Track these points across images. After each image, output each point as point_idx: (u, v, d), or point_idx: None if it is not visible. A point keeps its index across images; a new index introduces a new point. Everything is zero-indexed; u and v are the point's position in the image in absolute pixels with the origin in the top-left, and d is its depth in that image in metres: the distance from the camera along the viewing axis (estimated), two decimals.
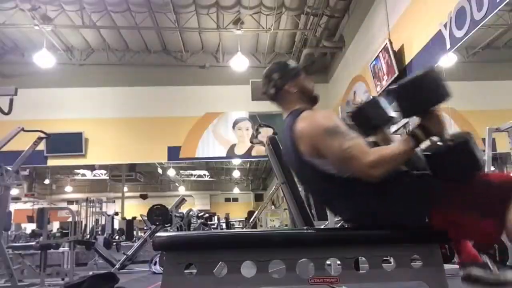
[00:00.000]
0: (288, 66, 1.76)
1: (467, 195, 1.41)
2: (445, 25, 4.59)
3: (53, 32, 9.22)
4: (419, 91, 1.44)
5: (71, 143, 9.31)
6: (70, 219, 6.26)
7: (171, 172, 18.68)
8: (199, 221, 8.89)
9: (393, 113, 1.81)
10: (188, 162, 16.24)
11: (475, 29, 4.11)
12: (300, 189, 2.04)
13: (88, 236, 9.23)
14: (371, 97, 1.94)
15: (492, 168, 6.75)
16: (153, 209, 6.63)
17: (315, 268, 1.50)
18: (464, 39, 4.33)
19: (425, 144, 1.47)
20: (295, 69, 1.76)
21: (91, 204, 10.56)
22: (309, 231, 1.62)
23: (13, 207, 12.61)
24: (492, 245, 1.45)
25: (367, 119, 1.85)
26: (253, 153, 9.70)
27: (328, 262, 3.38)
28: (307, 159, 1.55)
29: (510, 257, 3.92)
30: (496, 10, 3.81)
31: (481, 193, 1.41)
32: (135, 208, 17.12)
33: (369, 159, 1.41)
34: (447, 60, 7.32)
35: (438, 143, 1.47)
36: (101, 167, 16.81)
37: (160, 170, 18.78)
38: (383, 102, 1.87)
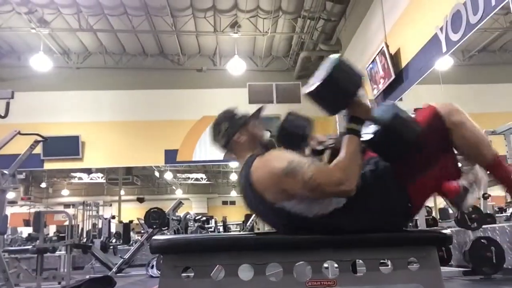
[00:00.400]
0: (235, 115, 1.73)
1: (418, 154, 1.50)
2: (441, 29, 4.61)
3: (50, 36, 9.21)
4: (334, 88, 1.42)
5: (68, 146, 9.28)
6: (66, 223, 6.23)
7: (168, 176, 18.65)
8: (196, 224, 8.88)
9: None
10: (185, 165, 16.23)
11: (471, 33, 4.13)
12: None
13: (85, 239, 9.20)
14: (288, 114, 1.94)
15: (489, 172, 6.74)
16: (150, 213, 6.62)
17: (312, 271, 1.50)
18: (460, 43, 4.35)
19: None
20: (243, 118, 1.72)
21: (88, 207, 10.53)
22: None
23: (9, 210, 12.55)
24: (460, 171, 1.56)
25: (293, 133, 1.86)
26: None
27: (325, 265, 3.39)
28: (279, 206, 1.49)
29: (507, 259, 3.93)
30: (492, 14, 3.83)
31: (425, 142, 1.49)
32: (132, 212, 17.07)
33: (335, 177, 1.39)
34: (444, 63, 7.39)
35: (371, 126, 1.48)
36: (98, 170, 16.78)
37: (157, 173, 18.76)
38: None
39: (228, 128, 1.68)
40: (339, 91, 1.43)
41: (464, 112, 1.57)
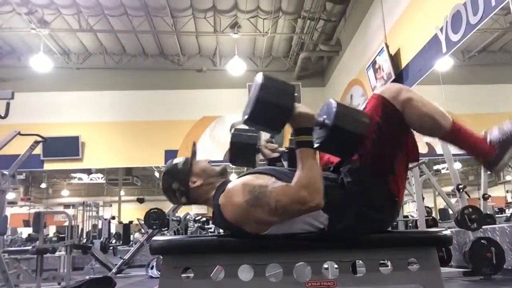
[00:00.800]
0: (176, 167, 1.62)
1: (384, 146, 1.49)
2: (441, 29, 4.61)
3: (50, 36, 9.21)
4: (267, 108, 1.35)
5: (68, 147, 9.28)
6: (66, 223, 6.23)
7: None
8: (196, 225, 8.87)
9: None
10: None
11: (471, 33, 4.13)
12: None
13: (85, 240, 9.20)
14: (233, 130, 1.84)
15: (488, 172, 6.76)
16: (150, 213, 6.61)
17: (312, 272, 1.50)
18: (460, 43, 4.35)
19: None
20: (185, 163, 1.63)
21: (88, 208, 10.53)
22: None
23: (9, 211, 12.55)
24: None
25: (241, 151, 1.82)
26: None
27: (325, 265, 3.39)
28: (264, 234, 1.46)
29: (507, 259, 3.93)
30: (492, 14, 3.84)
31: (386, 132, 1.49)
32: (132, 212, 17.06)
33: (299, 196, 1.35)
34: (444, 64, 7.38)
35: (318, 131, 1.44)
36: (98, 171, 16.74)
37: (157, 174, 18.74)
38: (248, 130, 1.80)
39: (179, 186, 1.59)
40: (273, 109, 1.36)
41: (409, 89, 1.55)
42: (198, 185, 1.59)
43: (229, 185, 1.51)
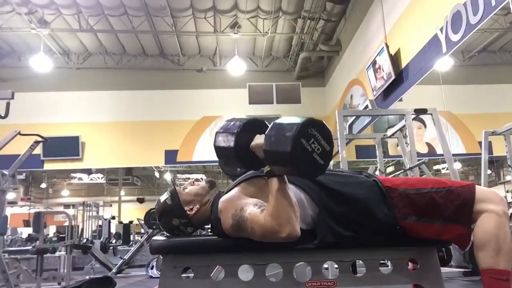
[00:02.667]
0: (167, 205, 1.58)
1: (425, 204, 1.42)
2: (441, 29, 4.61)
3: (50, 36, 9.21)
4: (224, 154, 1.45)
5: (68, 147, 9.29)
6: (66, 223, 6.23)
7: (168, 176, 18.63)
8: None
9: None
10: (185, 166, 16.22)
11: (471, 33, 4.13)
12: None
13: (85, 240, 9.20)
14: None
15: (489, 172, 6.77)
16: (150, 213, 6.61)
17: (312, 272, 1.50)
18: (460, 43, 4.35)
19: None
20: (173, 196, 1.58)
21: (88, 208, 10.53)
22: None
23: (9, 211, 12.55)
24: (466, 245, 1.44)
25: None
26: None
27: (325, 265, 3.39)
28: None
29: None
30: (492, 14, 3.83)
31: (441, 201, 1.41)
32: (132, 212, 17.07)
33: (269, 227, 1.33)
34: (444, 64, 7.39)
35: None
36: (98, 171, 16.74)
37: (157, 174, 18.74)
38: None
39: (180, 220, 1.56)
40: (224, 152, 1.43)
41: (505, 207, 1.42)
42: (197, 210, 1.57)
43: (219, 203, 1.50)
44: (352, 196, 1.46)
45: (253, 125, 1.45)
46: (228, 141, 1.41)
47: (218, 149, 1.45)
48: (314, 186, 1.49)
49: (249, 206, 1.41)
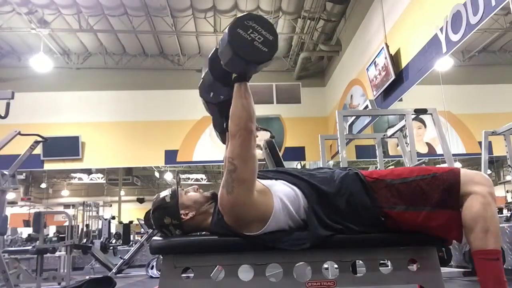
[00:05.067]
0: (165, 201, 1.58)
1: (411, 192, 1.44)
2: (441, 29, 4.61)
3: (50, 36, 9.21)
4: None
5: (68, 147, 9.29)
6: (66, 223, 6.23)
7: (168, 176, 18.65)
8: None
9: None
10: (185, 166, 16.23)
11: (471, 33, 4.13)
12: None
13: (85, 240, 9.20)
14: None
15: (489, 171, 6.77)
16: (150, 213, 6.60)
17: (312, 272, 1.50)
18: (460, 43, 4.35)
19: None
20: (173, 196, 1.58)
21: (88, 208, 10.53)
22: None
23: (9, 211, 12.56)
24: (458, 233, 1.42)
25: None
26: None
27: (325, 265, 3.39)
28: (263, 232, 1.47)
29: (507, 259, 3.93)
30: (492, 14, 3.83)
31: (427, 188, 1.43)
32: (132, 212, 17.08)
33: (232, 132, 1.43)
34: (444, 64, 7.39)
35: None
36: (98, 171, 16.76)
37: (157, 174, 18.75)
38: None
39: (172, 220, 1.55)
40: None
41: (491, 189, 1.42)
42: (191, 217, 1.55)
43: (219, 206, 1.50)
44: (335, 192, 1.48)
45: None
46: (205, 68, 1.57)
47: (201, 84, 1.60)
48: (302, 183, 1.52)
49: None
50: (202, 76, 1.62)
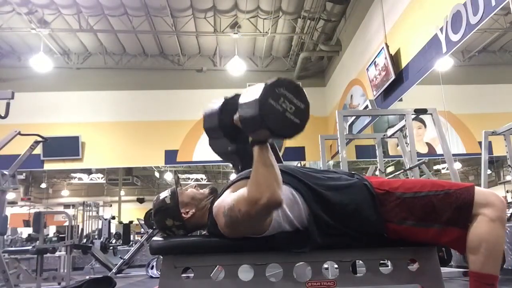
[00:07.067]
0: (165, 203, 1.57)
1: (422, 207, 1.40)
2: (441, 29, 4.61)
3: (50, 36, 9.21)
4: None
5: (68, 147, 9.29)
6: (66, 223, 6.23)
7: (168, 176, 18.66)
8: None
9: None
10: (185, 166, 16.23)
11: (471, 33, 4.13)
12: None
13: (85, 240, 9.20)
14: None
15: (489, 171, 6.77)
16: (150, 213, 6.61)
17: (312, 272, 1.50)
18: (460, 43, 4.35)
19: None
20: (173, 196, 1.57)
21: (88, 208, 10.53)
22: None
23: (9, 211, 12.55)
24: (464, 249, 1.40)
25: None
26: None
27: (325, 265, 3.39)
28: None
29: (507, 259, 3.93)
30: (492, 14, 3.84)
31: (439, 204, 1.40)
32: (132, 212, 17.08)
33: (251, 196, 1.29)
34: (444, 64, 7.39)
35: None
36: (98, 171, 16.77)
37: (157, 174, 18.76)
38: None
39: (174, 221, 1.55)
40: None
41: (503, 211, 1.38)
42: (192, 214, 1.55)
43: (213, 209, 1.48)
44: (340, 202, 1.44)
45: (235, 101, 1.40)
46: (212, 121, 1.45)
47: (206, 130, 1.51)
48: (305, 188, 1.47)
49: (234, 196, 1.39)
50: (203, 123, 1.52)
